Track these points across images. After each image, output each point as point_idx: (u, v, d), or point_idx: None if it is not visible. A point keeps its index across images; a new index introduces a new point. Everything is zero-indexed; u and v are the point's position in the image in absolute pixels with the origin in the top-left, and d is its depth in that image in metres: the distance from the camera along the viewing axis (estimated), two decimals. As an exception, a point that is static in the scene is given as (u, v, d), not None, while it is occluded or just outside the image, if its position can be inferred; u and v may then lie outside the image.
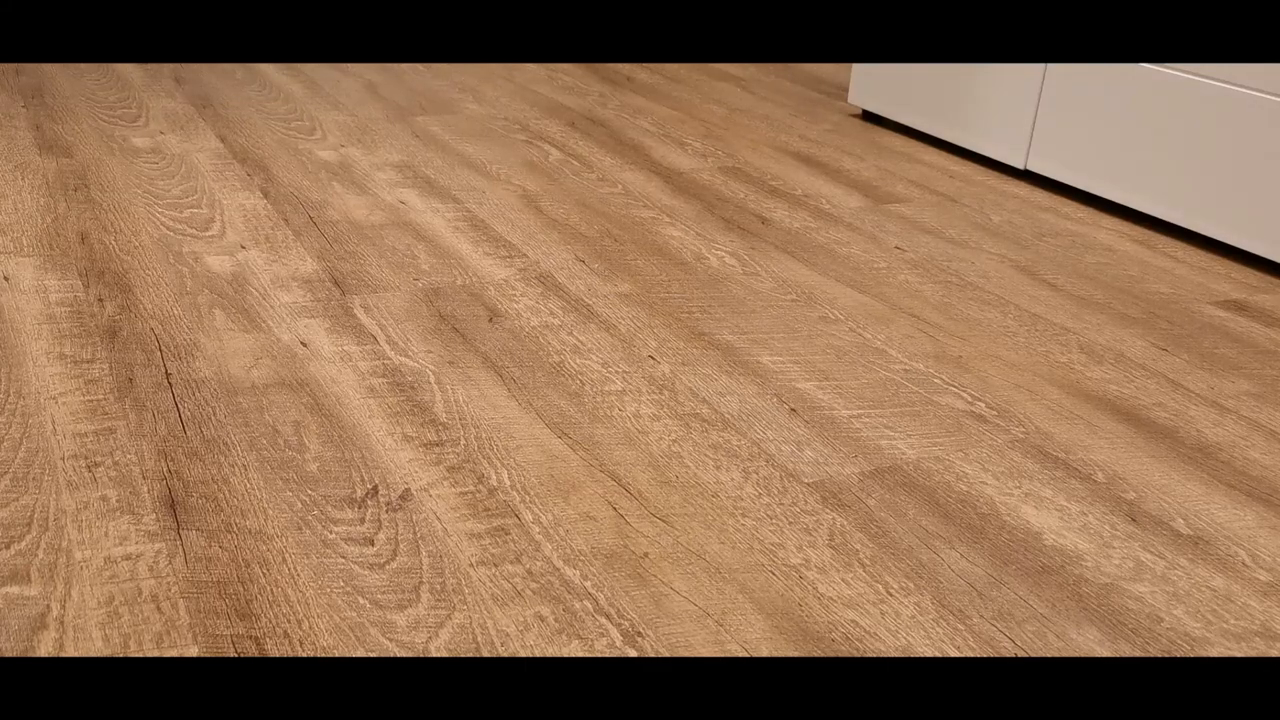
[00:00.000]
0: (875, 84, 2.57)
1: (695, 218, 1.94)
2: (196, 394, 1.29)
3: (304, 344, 1.41)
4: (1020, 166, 2.27)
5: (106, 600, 0.96)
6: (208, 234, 1.73)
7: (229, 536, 1.06)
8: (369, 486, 1.14)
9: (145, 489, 1.12)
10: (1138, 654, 0.99)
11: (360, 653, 0.93)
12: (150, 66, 2.69)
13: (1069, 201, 2.15)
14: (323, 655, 0.92)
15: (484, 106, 2.56)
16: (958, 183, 2.23)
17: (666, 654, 0.95)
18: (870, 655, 0.97)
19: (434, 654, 0.94)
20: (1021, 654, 0.98)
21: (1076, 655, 0.98)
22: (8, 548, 1.02)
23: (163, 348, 1.38)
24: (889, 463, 1.25)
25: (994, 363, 1.50)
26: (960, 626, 1.01)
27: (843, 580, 1.06)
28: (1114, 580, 1.08)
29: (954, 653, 0.97)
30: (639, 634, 0.97)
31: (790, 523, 1.13)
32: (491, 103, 2.60)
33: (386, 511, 1.11)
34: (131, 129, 2.21)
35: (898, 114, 2.55)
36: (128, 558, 1.02)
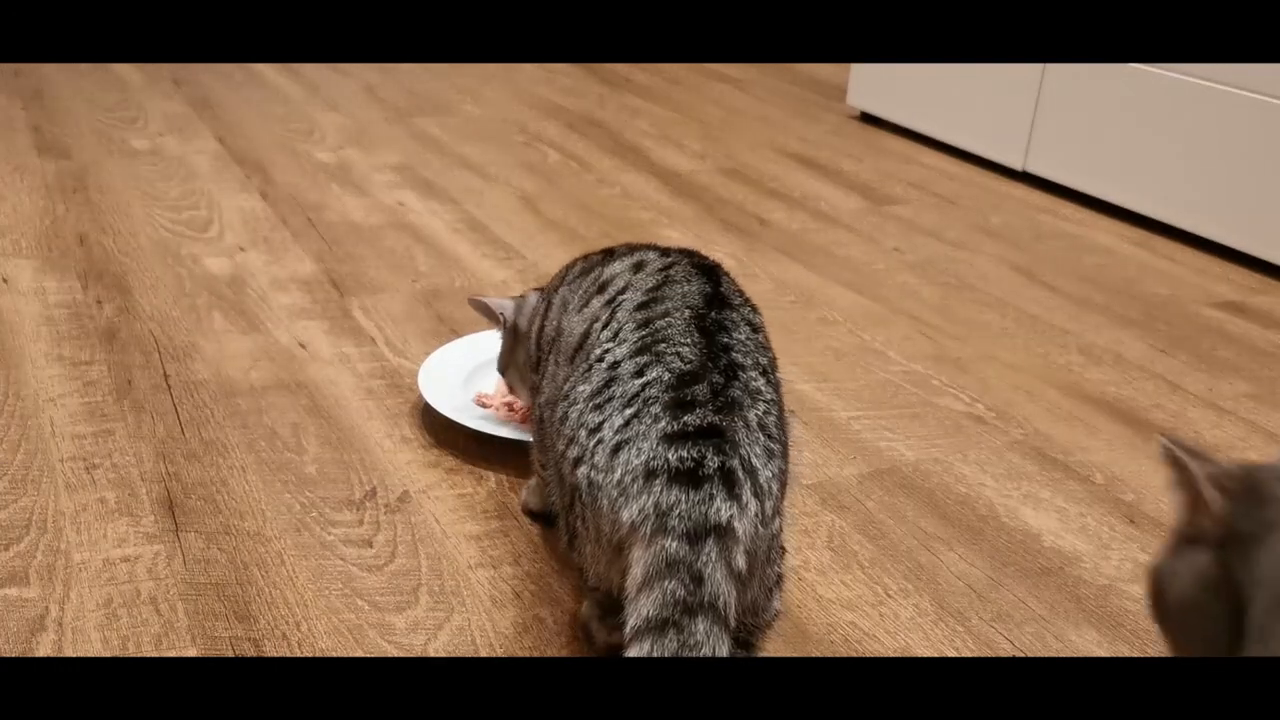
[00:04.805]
0: (874, 85, 2.58)
1: (694, 219, 1.94)
2: (195, 396, 1.28)
3: (302, 346, 1.41)
4: (1019, 168, 2.27)
5: (105, 602, 0.96)
6: (206, 235, 1.73)
7: (227, 538, 1.06)
8: (367, 488, 1.14)
9: (144, 491, 1.11)
10: (1136, 655, 0.99)
11: (359, 654, 0.93)
12: (149, 67, 2.69)
13: (1067, 203, 2.15)
14: (321, 657, 0.92)
15: (482, 108, 2.56)
16: (956, 184, 2.23)
17: (665, 656, 0.95)
18: (869, 656, 0.97)
19: (433, 655, 0.93)
20: (1020, 655, 0.98)
21: (1075, 656, 0.98)
22: (6, 550, 1.02)
23: (161, 349, 1.38)
24: (888, 464, 1.25)
25: (993, 364, 1.50)
26: (959, 628, 1.01)
27: (842, 582, 1.06)
28: (1112, 581, 1.08)
29: (953, 654, 0.97)
30: (638, 636, 0.97)
31: (789, 525, 1.13)
32: (490, 104, 2.60)
33: (385, 513, 1.11)
34: (130, 130, 2.21)
35: (896, 115, 2.55)
36: (126, 560, 1.02)
